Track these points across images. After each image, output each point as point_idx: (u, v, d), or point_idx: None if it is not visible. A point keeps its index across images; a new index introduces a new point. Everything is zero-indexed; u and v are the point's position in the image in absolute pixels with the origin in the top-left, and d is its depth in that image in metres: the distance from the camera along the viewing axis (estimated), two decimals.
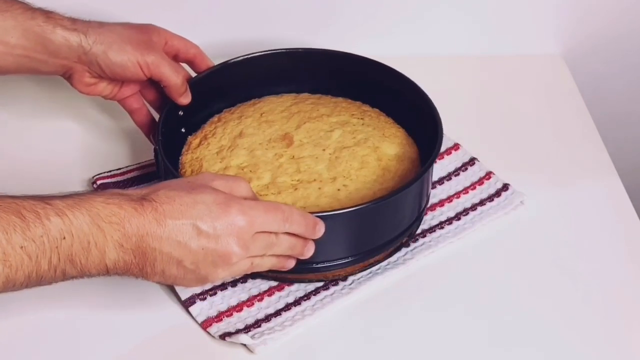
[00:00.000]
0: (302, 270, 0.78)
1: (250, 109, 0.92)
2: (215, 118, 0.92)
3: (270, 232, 0.71)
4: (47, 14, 0.84)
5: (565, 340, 0.76)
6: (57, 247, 0.65)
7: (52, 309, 0.78)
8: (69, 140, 0.99)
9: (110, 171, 0.92)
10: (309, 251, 0.75)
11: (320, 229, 0.74)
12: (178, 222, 0.68)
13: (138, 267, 0.68)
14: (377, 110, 0.93)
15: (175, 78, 0.86)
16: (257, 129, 0.89)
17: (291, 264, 0.75)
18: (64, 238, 0.65)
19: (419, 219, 0.84)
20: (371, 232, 0.79)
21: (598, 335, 0.77)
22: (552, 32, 1.12)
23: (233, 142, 0.88)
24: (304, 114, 0.91)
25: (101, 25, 0.85)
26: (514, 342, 0.76)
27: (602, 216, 0.89)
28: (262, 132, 0.89)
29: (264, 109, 0.92)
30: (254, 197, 0.74)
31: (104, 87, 0.89)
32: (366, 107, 0.93)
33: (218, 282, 0.77)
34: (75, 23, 0.84)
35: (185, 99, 0.88)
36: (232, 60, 0.92)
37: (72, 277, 0.68)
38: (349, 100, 0.95)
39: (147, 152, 0.88)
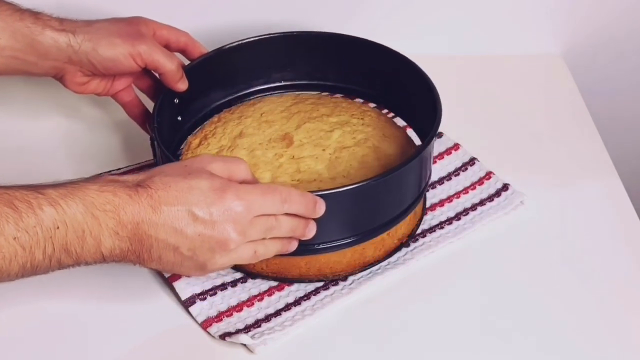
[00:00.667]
0: (305, 252, 0.77)
1: (250, 109, 0.92)
2: (215, 118, 0.92)
3: (270, 215, 0.71)
4: (36, 15, 0.84)
5: (565, 340, 0.76)
6: (51, 237, 0.65)
7: (52, 309, 0.78)
8: (68, 140, 0.99)
9: (110, 171, 0.92)
10: (310, 231, 0.74)
11: (320, 207, 0.73)
12: (173, 209, 0.67)
13: (135, 254, 0.68)
14: (376, 110, 0.93)
15: (169, 64, 0.85)
16: (257, 129, 0.89)
17: (294, 246, 0.75)
18: (58, 228, 0.65)
19: (419, 198, 0.83)
20: (372, 210, 0.78)
21: (598, 334, 0.77)
22: (552, 32, 1.12)
23: (233, 142, 0.88)
24: (304, 114, 0.91)
25: (88, 23, 0.85)
26: (513, 341, 0.76)
27: (602, 216, 0.89)
28: (262, 132, 0.89)
29: (263, 109, 0.92)
30: (254, 179, 0.73)
31: (97, 84, 0.89)
32: (366, 107, 0.93)
33: (219, 269, 0.75)
34: (63, 23, 0.84)
35: (183, 85, 0.87)
36: (227, 46, 0.92)
37: (69, 266, 0.68)
38: (349, 100, 0.95)
39: (148, 151, 0.87)
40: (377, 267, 0.82)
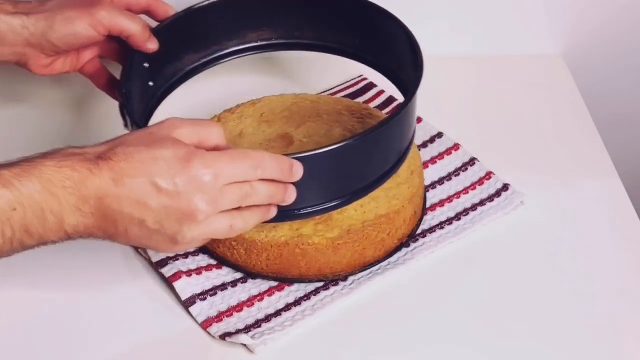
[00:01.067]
0: (285, 217, 0.74)
1: (250, 109, 0.92)
2: (215, 118, 0.92)
3: (243, 182, 0.67)
4: None
5: (565, 339, 0.76)
6: (9, 220, 0.63)
7: (50, 309, 0.78)
8: (67, 133, 0.98)
9: None
10: (290, 196, 0.70)
11: (297, 170, 0.69)
12: (136, 181, 0.64)
13: (101, 229, 0.66)
14: (377, 109, 0.93)
15: (134, 25, 0.81)
16: (257, 129, 0.89)
17: (273, 212, 0.71)
18: (15, 209, 0.63)
19: (404, 157, 0.79)
20: (354, 171, 0.75)
21: (598, 334, 0.77)
22: (552, 32, 1.12)
23: (233, 142, 0.88)
24: (303, 114, 0.91)
25: (42, 2, 0.82)
26: (513, 341, 0.76)
27: (602, 216, 0.89)
28: (262, 132, 0.89)
29: (263, 108, 0.92)
30: (227, 145, 0.70)
31: (63, 62, 0.85)
32: (366, 106, 0.93)
33: (194, 244, 0.70)
34: (16, 6, 0.81)
35: (152, 45, 0.83)
36: (197, 5, 0.88)
37: (33, 247, 0.66)
38: (349, 100, 0.95)
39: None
40: (377, 267, 0.82)
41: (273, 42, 0.93)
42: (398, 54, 0.85)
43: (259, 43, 0.93)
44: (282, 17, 0.91)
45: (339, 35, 0.91)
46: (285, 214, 0.73)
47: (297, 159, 0.69)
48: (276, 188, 0.69)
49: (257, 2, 0.90)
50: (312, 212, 0.75)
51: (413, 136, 0.81)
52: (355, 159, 0.74)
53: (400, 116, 0.75)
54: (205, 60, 0.92)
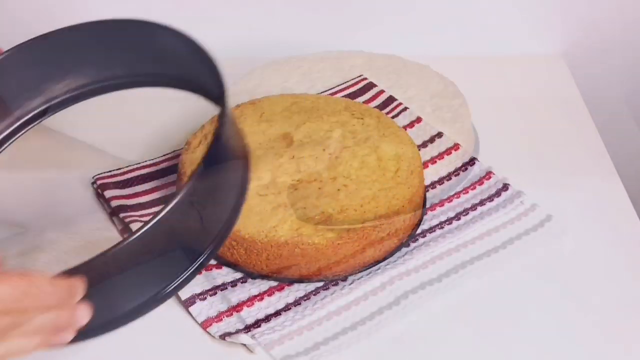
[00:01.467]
0: (93, 332, 0.61)
1: (250, 109, 0.92)
2: (215, 117, 0.92)
3: (10, 311, 0.54)
4: None
5: (565, 340, 0.76)
6: None
7: None
8: (70, 140, 0.99)
9: (110, 171, 0.92)
10: (81, 318, 0.58)
11: (79, 290, 0.57)
12: None
13: None
14: (377, 110, 0.93)
15: None
16: (257, 129, 0.89)
17: (67, 335, 0.58)
18: None
19: (231, 224, 0.67)
20: (167, 255, 0.63)
21: (597, 334, 0.77)
22: (552, 32, 1.12)
23: None
24: (304, 114, 0.91)
25: None
26: (512, 341, 0.76)
27: (602, 216, 0.89)
28: (262, 132, 0.89)
29: (263, 108, 0.92)
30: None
31: None
32: (366, 107, 0.93)
33: None
34: None
35: None
36: None
37: None
38: (349, 100, 0.95)
39: (148, 153, 0.86)
40: (377, 267, 0.82)
41: (87, 89, 0.79)
42: (204, 71, 0.70)
43: (68, 95, 0.79)
44: (84, 59, 0.77)
45: (150, 66, 0.77)
46: (99, 327, 0.62)
47: (77, 270, 0.57)
48: (57, 313, 0.56)
49: (47, 50, 0.76)
50: (132, 315, 0.64)
51: (241, 202, 0.67)
52: (157, 246, 0.61)
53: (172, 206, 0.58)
54: (9, 131, 0.78)
